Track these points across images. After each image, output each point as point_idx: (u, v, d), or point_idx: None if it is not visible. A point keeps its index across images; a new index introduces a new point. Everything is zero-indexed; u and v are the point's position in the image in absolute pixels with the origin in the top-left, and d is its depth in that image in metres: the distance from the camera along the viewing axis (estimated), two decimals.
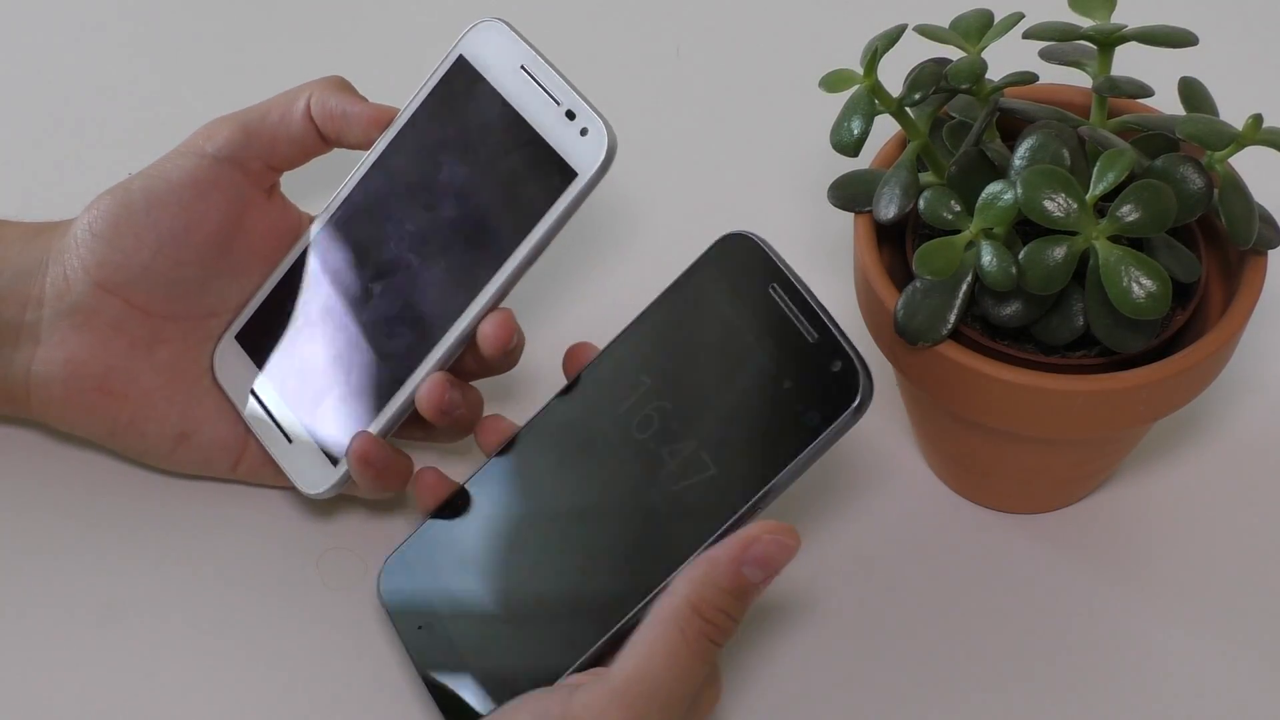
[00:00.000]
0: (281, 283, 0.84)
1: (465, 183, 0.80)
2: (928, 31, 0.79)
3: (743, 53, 1.02)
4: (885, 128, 0.80)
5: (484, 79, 0.81)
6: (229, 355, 0.84)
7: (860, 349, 0.86)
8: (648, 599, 0.72)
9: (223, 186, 0.81)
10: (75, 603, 0.81)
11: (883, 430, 0.86)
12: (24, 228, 0.83)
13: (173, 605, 0.81)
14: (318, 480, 0.81)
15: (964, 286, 0.75)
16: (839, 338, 0.71)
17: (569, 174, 0.78)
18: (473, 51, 0.81)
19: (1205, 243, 0.79)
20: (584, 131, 0.78)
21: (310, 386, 0.82)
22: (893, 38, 0.78)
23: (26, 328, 0.81)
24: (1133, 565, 0.82)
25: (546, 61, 0.80)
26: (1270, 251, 0.78)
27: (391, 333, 0.81)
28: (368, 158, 0.83)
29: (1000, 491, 0.83)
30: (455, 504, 0.78)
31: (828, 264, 0.91)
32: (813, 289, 0.73)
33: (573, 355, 0.78)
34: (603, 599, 0.73)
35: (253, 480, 0.84)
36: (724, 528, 0.71)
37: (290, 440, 0.82)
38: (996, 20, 0.79)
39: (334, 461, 0.81)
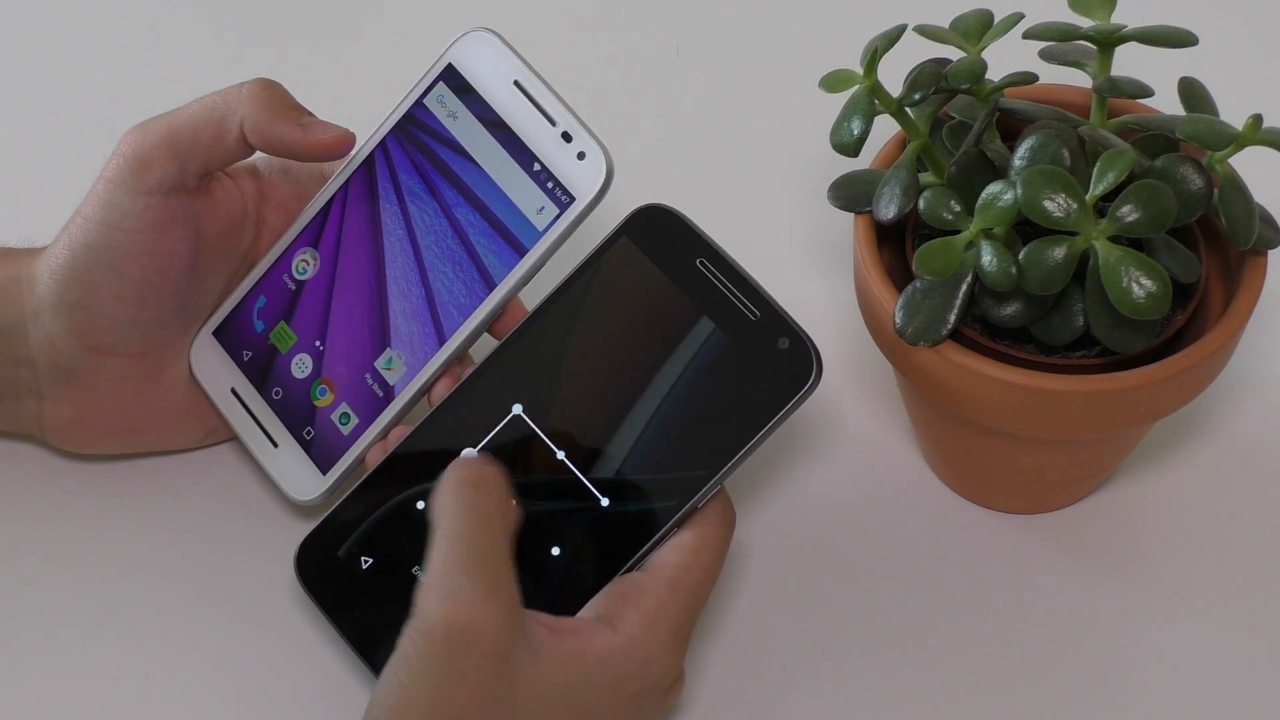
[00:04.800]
0: (260, 283, 0.82)
1: (459, 196, 0.80)
2: (928, 31, 0.79)
3: (743, 53, 1.01)
4: (885, 128, 0.80)
5: (475, 90, 0.80)
6: (207, 351, 0.82)
7: (860, 349, 0.86)
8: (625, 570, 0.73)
9: (177, 218, 0.78)
10: (72, 604, 0.81)
11: (883, 430, 0.86)
12: None
13: (170, 605, 0.81)
14: (306, 489, 0.80)
15: (964, 287, 0.75)
16: (781, 313, 0.73)
17: (567, 198, 0.78)
18: (462, 62, 0.80)
19: (1205, 243, 0.79)
20: (581, 155, 0.78)
21: (298, 392, 0.81)
22: (893, 38, 0.78)
23: (24, 382, 0.80)
24: (1133, 565, 0.82)
25: (539, 78, 0.79)
26: (1270, 251, 0.78)
27: (377, 347, 0.81)
28: (350, 162, 0.81)
29: (1000, 491, 0.83)
30: (382, 476, 0.78)
31: (828, 264, 0.91)
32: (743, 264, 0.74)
33: (507, 317, 0.79)
34: (559, 593, 0.74)
35: None
36: (675, 519, 0.73)
37: (276, 444, 0.81)
38: (996, 20, 0.79)
39: (323, 470, 0.81)
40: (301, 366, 0.81)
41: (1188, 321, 0.77)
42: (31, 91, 1.01)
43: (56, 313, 0.79)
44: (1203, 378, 0.76)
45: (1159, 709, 0.78)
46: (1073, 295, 0.75)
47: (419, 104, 0.81)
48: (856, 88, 0.77)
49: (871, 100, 0.77)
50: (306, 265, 0.82)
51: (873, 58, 0.77)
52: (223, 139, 0.78)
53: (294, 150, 0.79)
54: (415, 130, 0.81)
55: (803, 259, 0.92)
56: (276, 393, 0.82)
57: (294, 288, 0.82)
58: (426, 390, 0.79)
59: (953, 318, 0.75)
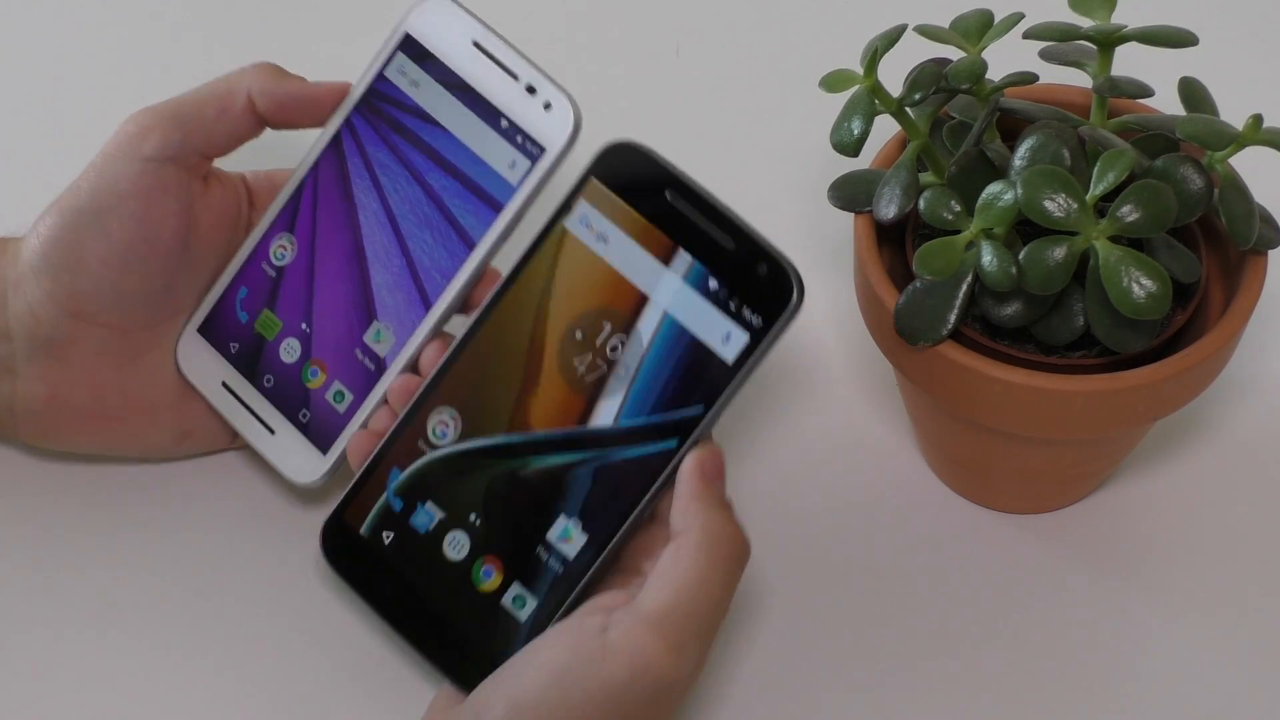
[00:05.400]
0: (240, 274, 0.82)
1: (429, 163, 0.80)
2: (928, 31, 0.79)
3: (743, 53, 1.01)
4: (885, 128, 0.80)
5: (435, 56, 0.80)
6: (194, 349, 0.82)
7: (860, 349, 0.86)
8: (632, 519, 0.73)
9: (170, 188, 0.79)
10: (72, 604, 0.81)
11: (883, 430, 0.86)
12: None
13: (170, 605, 0.81)
14: (308, 471, 0.80)
15: (964, 286, 0.75)
16: (757, 238, 0.72)
17: (536, 149, 0.78)
18: (420, 29, 0.81)
19: (1205, 243, 0.79)
20: (548, 106, 0.78)
21: (289, 376, 0.81)
22: (893, 38, 0.78)
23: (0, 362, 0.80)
24: (1133, 565, 0.82)
25: (498, 35, 0.79)
26: (1270, 251, 0.78)
27: (363, 321, 0.81)
28: (317, 144, 0.82)
29: (1000, 491, 0.83)
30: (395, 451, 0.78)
31: (828, 264, 0.91)
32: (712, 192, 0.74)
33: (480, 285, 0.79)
34: (590, 524, 0.74)
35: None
36: (687, 442, 0.72)
37: (272, 431, 0.81)
38: (996, 20, 0.79)
39: (323, 450, 0.81)
40: (290, 351, 0.81)
41: (1188, 321, 0.77)
42: (23, 91, 1.01)
43: (39, 276, 0.79)
44: (1203, 378, 0.76)
45: (1159, 709, 0.78)
46: (1073, 295, 0.75)
47: (380, 77, 0.81)
48: (856, 88, 0.77)
49: (871, 100, 0.77)
50: (284, 251, 0.82)
51: (873, 58, 0.77)
52: (229, 110, 0.79)
53: (303, 100, 0.80)
54: (380, 104, 0.81)
55: (803, 259, 0.91)
56: (268, 380, 0.81)
57: (274, 274, 0.82)
58: (415, 359, 0.79)
59: (953, 318, 0.75)
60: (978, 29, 0.80)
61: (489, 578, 0.75)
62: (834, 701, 0.79)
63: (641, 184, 0.75)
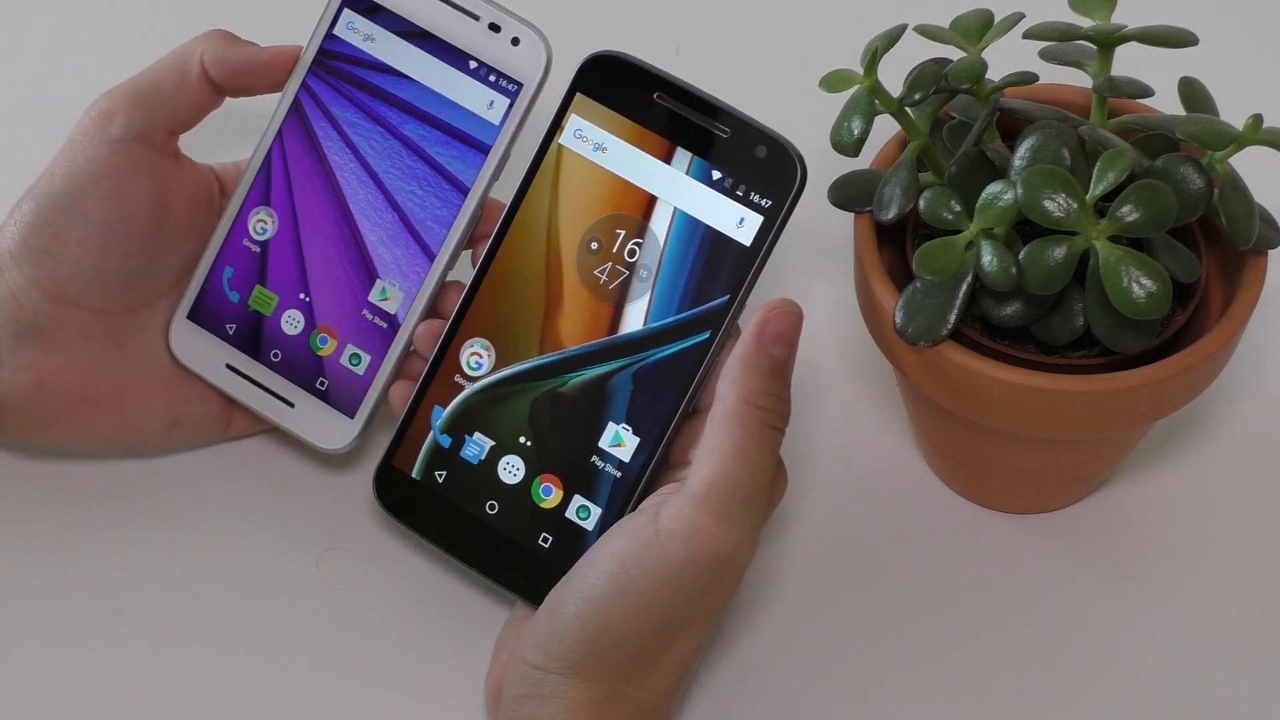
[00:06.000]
0: (221, 255, 0.82)
1: (402, 115, 0.80)
2: (928, 31, 0.79)
3: (743, 53, 1.01)
4: (885, 128, 0.80)
5: (385, 8, 0.80)
6: (188, 336, 0.82)
7: (860, 349, 0.86)
8: (680, 415, 0.75)
9: (141, 168, 0.79)
10: (73, 603, 0.81)
11: (883, 430, 0.86)
12: None
13: (172, 605, 0.81)
14: (337, 436, 0.81)
15: (964, 286, 0.75)
16: (751, 123, 0.75)
17: (514, 86, 0.79)
18: None
19: (1205, 243, 0.79)
20: (515, 41, 0.79)
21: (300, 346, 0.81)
22: (893, 38, 0.78)
23: None
24: (1133, 565, 0.82)
25: None
26: (1270, 251, 0.78)
27: (366, 281, 0.81)
28: (275, 114, 0.82)
29: (1000, 491, 0.83)
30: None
31: (828, 264, 0.91)
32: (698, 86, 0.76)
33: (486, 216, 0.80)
34: (639, 422, 0.76)
35: (246, 434, 0.84)
36: (720, 332, 0.75)
37: (291, 404, 0.81)
38: (996, 20, 0.79)
39: (349, 414, 0.80)
40: (293, 322, 0.81)
41: (1188, 321, 0.77)
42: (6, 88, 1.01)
43: (20, 263, 0.79)
44: (1203, 378, 0.76)
45: (1159, 708, 0.78)
46: (1073, 295, 0.75)
47: (329, 36, 0.81)
48: (856, 88, 0.77)
49: (871, 100, 0.77)
50: (265, 225, 0.82)
51: (873, 58, 0.77)
52: (186, 81, 0.80)
53: (254, 64, 0.80)
54: (335, 64, 0.81)
55: (803, 259, 0.92)
56: (275, 355, 0.82)
57: (258, 250, 0.82)
58: (431, 308, 0.80)
59: (953, 318, 0.75)
60: (978, 29, 0.80)
61: (549, 495, 0.77)
62: (834, 701, 0.79)
63: (628, 91, 0.77)
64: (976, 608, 0.81)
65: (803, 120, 0.88)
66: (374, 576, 0.82)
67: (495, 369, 0.78)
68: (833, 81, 0.77)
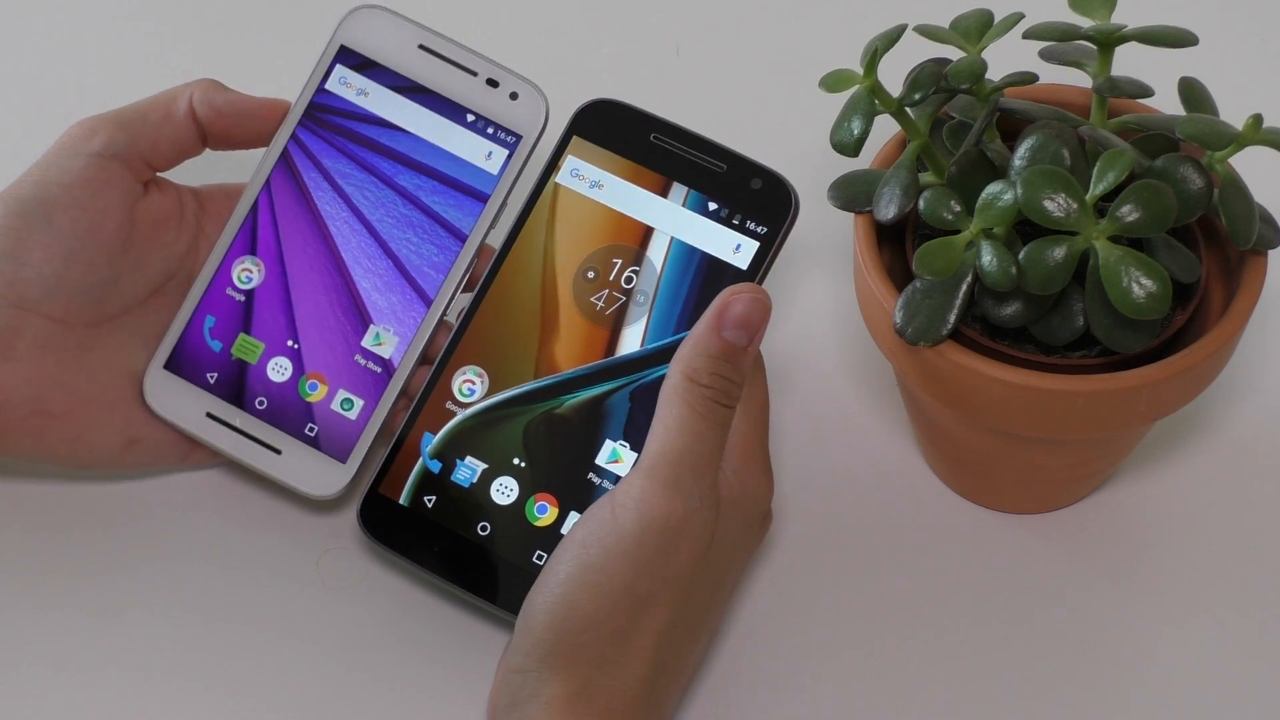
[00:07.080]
0: (202, 304, 0.82)
1: (397, 166, 0.81)
2: (928, 31, 0.79)
3: (743, 53, 1.01)
4: (885, 128, 0.80)
5: (379, 64, 0.81)
6: (164, 386, 0.81)
7: (860, 349, 0.86)
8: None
9: (114, 183, 0.80)
10: (73, 604, 0.81)
11: (883, 430, 0.86)
12: None
13: (172, 605, 0.81)
14: (328, 483, 0.80)
15: (964, 286, 0.75)
16: (744, 158, 0.78)
17: (512, 138, 0.80)
18: (356, 40, 0.81)
19: (1205, 243, 0.79)
20: (514, 96, 0.80)
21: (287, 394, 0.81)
22: (893, 38, 0.78)
23: None
24: (1133, 565, 0.82)
25: (444, 38, 0.80)
26: (1270, 251, 0.78)
27: (359, 328, 0.81)
28: (263, 166, 0.82)
29: (1000, 491, 0.83)
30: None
31: (828, 264, 0.91)
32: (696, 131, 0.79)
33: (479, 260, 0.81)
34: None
35: (206, 465, 0.83)
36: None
37: (278, 451, 0.81)
38: (996, 20, 0.79)
39: (340, 459, 0.80)
40: (280, 370, 0.81)
41: (1188, 321, 0.77)
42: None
43: None
44: (1203, 378, 0.76)
45: (1159, 707, 0.78)
46: (1073, 295, 0.75)
47: (321, 90, 0.82)
48: (856, 88, 0.77)
49: (871, 100, 0.77)
50: (250, 274, 0.82)
51: (873, 58, 0.77)
52: (172, 116, 0.81)
53: (241, 111, 0.81)
54: (326, 116, 0.82)
55: (803, 259, 0.92)
56: (260, 403, 0.81)
57: (242, 299, 0.82)
58: (427, 353, 0.80)
59: (953, 318, 0.75)
60: (978, 29, 0.80)
61: (544, 513, 0.77)
62: (834, 701, 0.79)
63: (624, 133, 0.79)
64: (976, 607, 0.81)
65: (803, 120, 0.89)
66: (374, 576, 0.81)
67: (488, 395, 0.78)
68: (833, 81, 0.77)
